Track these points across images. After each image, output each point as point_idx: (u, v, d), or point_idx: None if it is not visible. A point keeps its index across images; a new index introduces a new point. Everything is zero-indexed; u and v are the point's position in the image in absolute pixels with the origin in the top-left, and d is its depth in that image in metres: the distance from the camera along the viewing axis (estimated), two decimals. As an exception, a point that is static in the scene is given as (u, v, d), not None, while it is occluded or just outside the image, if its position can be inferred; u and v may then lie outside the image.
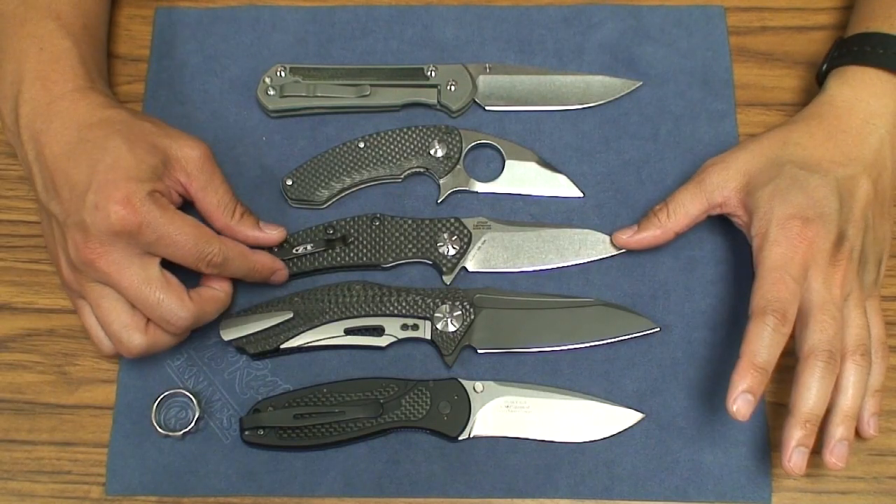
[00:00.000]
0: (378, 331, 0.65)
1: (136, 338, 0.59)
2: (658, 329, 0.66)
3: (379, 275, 0.67)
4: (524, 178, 0.69)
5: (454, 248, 0.67)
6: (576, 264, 0.67)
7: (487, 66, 0.72)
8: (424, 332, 0.65)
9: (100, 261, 0.58)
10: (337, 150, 0.69)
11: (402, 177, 0.69)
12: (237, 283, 0.66)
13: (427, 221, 0.67)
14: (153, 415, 0.62)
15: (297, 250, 0.66)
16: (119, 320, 0.59)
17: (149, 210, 0.57)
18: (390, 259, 0.67)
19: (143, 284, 0.58)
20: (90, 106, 0.60)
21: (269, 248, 0.66)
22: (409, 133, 0.70)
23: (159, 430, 0.62)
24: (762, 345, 0.57)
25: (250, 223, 0.64)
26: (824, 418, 0.59)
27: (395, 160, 0.69)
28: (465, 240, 0.67)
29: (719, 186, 0.63)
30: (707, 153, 0.70)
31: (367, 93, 0.70)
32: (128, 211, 0.57)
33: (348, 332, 0.65)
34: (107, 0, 0.70)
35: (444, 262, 0.67)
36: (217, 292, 0.62)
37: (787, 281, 0.58)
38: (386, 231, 0.67)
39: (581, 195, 0.69)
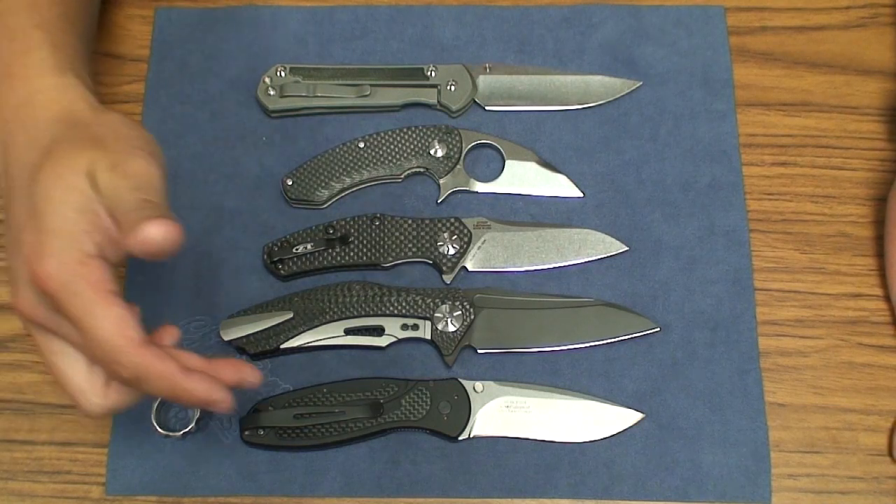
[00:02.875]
0: (378, 331, 0.65)
1: (94, 402, 0.52)
2: (658, 329, 0.66)
3: (379, 274, 0.67)
4: (524, 178, 0.69)
5: (454, 247, 0.67)
6: (576, 264, 0.67)
7: (487, 66, 0.72)
8: (424, 332, 0.65)
9: (30, 316, 0.50)
10: (337, 150, 0.69)
11: (402, 177, 0.69)
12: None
13: (427, 221, 0.67)
14: (153, 415, 0.62)
15: (297, 250, 0.66)
16: (75, 383, 0.52)
17: (71, 281, 0.48)
18: (390, 259, 0.67)
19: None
20: (51, 118, 0.53)
21: (271, 249, 0.66)
22: (409, 133, 0.70)
23: (159, 430, 0.62)
24: None
25: (129, 225, 0.49)
26: None
27: (395, 160, 0.69)
28: (465, 239, 0.67)
29: None
30: (707, 153, 0.70)
31: (367, 93, 0.70)
32: (51, 275, 0.48)
33: (348, 332, 0.65)
34: None
35: (444, 261, 0.67)
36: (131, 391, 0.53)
37: None
38: (386, 231, 0.67)
39: (581, 195, 0.69)
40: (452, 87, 0.71)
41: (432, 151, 0.69)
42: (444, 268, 0.67)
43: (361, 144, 0.69)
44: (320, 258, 0.67)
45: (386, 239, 0.67)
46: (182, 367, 0.50)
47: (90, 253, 0.49)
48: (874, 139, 0.71)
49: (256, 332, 0.64)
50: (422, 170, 0.69)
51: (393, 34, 0.73)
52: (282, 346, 0.64)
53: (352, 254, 0.67)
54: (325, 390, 0.63)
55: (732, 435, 0.64)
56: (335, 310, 0.64)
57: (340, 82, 0.71)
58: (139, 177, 0.51)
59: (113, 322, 0.48)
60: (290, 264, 0.66)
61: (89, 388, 0.52)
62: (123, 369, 0.49)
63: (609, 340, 0.65)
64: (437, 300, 0.65)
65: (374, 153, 0.69)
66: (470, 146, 0.70)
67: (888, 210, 0.66)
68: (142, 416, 0.63)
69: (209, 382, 0.51)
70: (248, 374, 0.54)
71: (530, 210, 0.69)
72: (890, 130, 0.70)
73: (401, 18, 0.74)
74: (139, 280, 0.67)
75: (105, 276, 0.49)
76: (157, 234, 0.48)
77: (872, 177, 0.70)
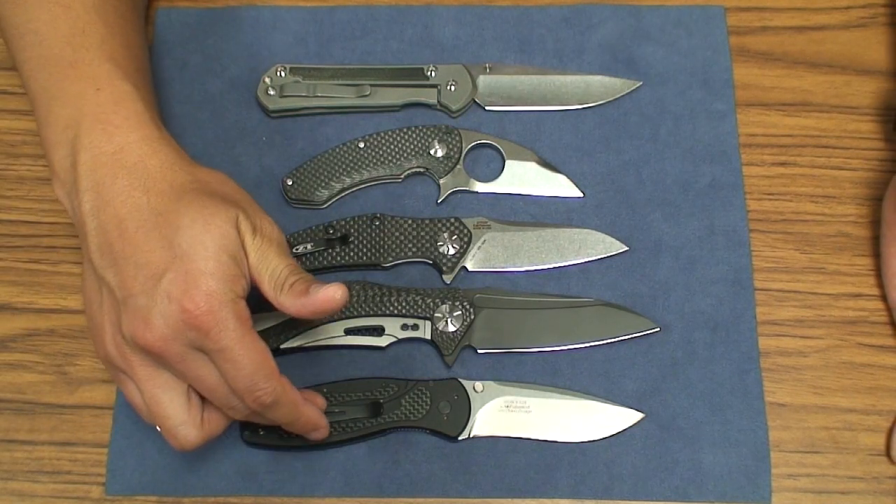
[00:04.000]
0: (378, 331, 0.65)
1: (192, 434, 0.56)
2: (658, 329, 0.66)
3: (379, 274, 0.67)
4: (524, 178, 0.69)
5: (454, 247, 0.67)
6: (576, 264, 0.67)
7: (487, 66, 0.72)
8: (424, 332, 0.65)
9: (160, 350, 0.53)
10: (337, 150, 0.69)
11: (402, 177, 0.69)
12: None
13: (427, 221, 0.67)
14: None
15: (297, 250, 0.66)
16: (176, 416, 0.55)
17: (226, 317, 0.52)
18: (390, 259, 0.67)
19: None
20: (161, 165, 0.55)
21: None
22: (409, 133, 0.70)
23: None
24: None
25: (295, 292, 0.55)
26: None
27: (395, 160, 0.69)
28: (465, 239, 0.67)
29: None
30: (707, 153, 0.70)
31: (367, 93, 0.70)
32: (205, 311, 0.52)
33: (348, 332, 0.65)
34: (146, 43, 0.66)
35: (444, 261, 0.67)
36: (222, 419, 0.58)
37: None
38: (386, 231, 0.67)
39: (581, 195, 0.69)
40: (452, 87, 0.71)
41: (432, 151, 0.69)
42: (444, 268, 0.67)
43: (361, 144, 0.69)
44: (320, 258, 0.67)
45: (386, 239, 0.67)
46: (301, 397, 0.57)
47: (239, 294, 0.54)
48: (874, 139, 0.71)
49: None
50: (422, 170, 0.69)
51: (393, 34, 0.74)
52: (282, 346, 0.64)
53: (352, 254, 0.67)
54: (325, 390, 0.63)
55: (732, 435, 0.64)
56: (335, 310, 0.64)
57: (340, 82, 0.71)
58: (278, 241, 0.56)
59: (260, 353, 0.54)
60: (290, 264, 0.66)
61: (189, 419, 0.55)
62: (265, 395, 0.54)
63: (609, 340, 0.65)
64: (437, 300, 0.65)
65: (374, 153, 0.69)
66: (470, 146, 0.70)
67: (883, 211, 0.66)
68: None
69: (318, 411, 0.59)
70: (320, 401, 0.61)
71: (530, 210, 0.69)
72: (888, 130, 0.70)
73: (401, 18, 0.74)
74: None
75: (248, 314, 0.54)
76: (342, 295, 0.55)
77: (872, 177, 0.70)
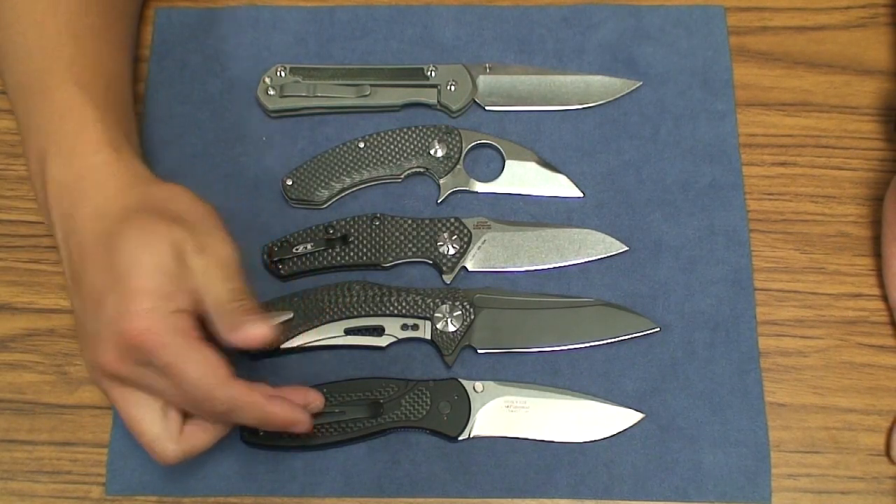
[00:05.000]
0: (378, 331, 0.65)
1: (168, 448, 0.56)
2: (658, 329, 0.66)
3: (379, 274, 0.67)
4: (524, 178, 0.69)
5: (454, 247, 0.67)
6: (576, 264, 0.67)
7: (487, 66, 0.72)
8: (424, 332, 0.65)
9: (116, 371, 0.53)
10: (337, 150, 0.69)
11: (402, 177, 0.69)
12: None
13: (427, 221, 0.67)
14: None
15: (297, 250, 0.66)
16: (150, 431, 0.55)
17: (164, 333, 0.52)
18: (390, 259, 0.67)
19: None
20: (117, 189, 0.56)
21: (271, 249, 0.66)
22: (409, 133, 0.70)
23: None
24: None
25: (228, 323, 0.54)
26: None
27: (395, 160, 0.69)
28: (465, 239, 0.67)
29: None
30: (707, 153, 0.70)
31: (367, 93, 0.70)
32: (143, 330, 0.51)
33: (348, 332, 0.65)
34: (128, 55, 0.67)
35: (444, 261, 0.67)
36: (207, 433, 0.57)
37: None
38: (386, 231, 0.67)
39: (581, 195, 0.69)
40: (452, 87, 0.71)
41: (432, 151, 0.69)
42: (444, 268, 0.67)
43: (361, 144, 0.69)
44: (320, 258, 0.67)
45: (386, 239, 0.67)
46: (266, 395, 0.55)
47: (180, 307, 0.53)
48: (874, 139, 0.71)
49: (256, 332, 0.64)
50: (422, 170, 0.69)
51: (393, 34, 0.74)
52: (282, 346, 0.64)
53: (352, 254, 0.67)
54: (324, 390, 0.63)
55: (732, 435, 0.64)
56: (335, 310, 0.64)
57: (340, 82, 0.71)
58: (227, 263, 0.55)
59: (204, 363, 0.53)
60: (290, 264, 0.66)
61: (166, 435, 0.55)
62: (219, 403, 0.53)
63: (609, 340, 0.65)
64: (437, 300, 0.65)
65: (374, 153, 0.69)
66: (470, 146, 0.70)
67: (884, 212, 0.66)
68: (142, 416, 0.63)
69: (290, 406, 0.57)
70: (312, 398, 0.60)
71: (530, 210, 0.69)
72: (888, 130, 0.70)
73: (401, 18, 0.74)
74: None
75: (191, 325, 0.53)
76: (259, 335, 0.55)
77: (872, 177, 0.70)
